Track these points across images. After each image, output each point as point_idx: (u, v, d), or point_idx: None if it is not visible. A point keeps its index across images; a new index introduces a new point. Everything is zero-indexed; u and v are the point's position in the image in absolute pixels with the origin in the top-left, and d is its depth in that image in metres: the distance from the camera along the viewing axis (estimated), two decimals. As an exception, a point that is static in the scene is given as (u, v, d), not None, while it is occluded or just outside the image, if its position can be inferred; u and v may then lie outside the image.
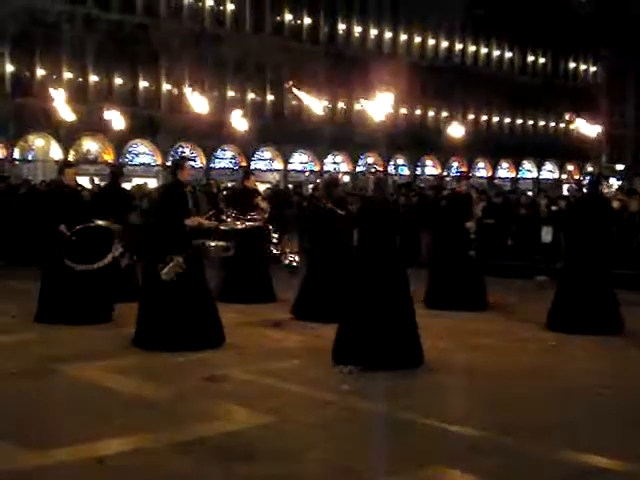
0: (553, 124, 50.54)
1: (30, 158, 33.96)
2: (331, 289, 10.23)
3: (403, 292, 8.13)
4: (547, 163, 50.93)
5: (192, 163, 11.97)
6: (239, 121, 12.98)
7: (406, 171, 44.36)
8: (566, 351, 9.19)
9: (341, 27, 41.45)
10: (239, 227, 10.35)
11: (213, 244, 9.03)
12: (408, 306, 8.14)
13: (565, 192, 36.39)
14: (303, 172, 40.79)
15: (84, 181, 16.88)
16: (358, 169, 42.76)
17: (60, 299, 10.14)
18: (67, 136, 30.97)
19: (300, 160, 41.30)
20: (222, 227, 9.66)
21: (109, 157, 35.08)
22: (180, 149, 37.32)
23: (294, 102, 39.92)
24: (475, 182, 41.79)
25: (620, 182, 49.23)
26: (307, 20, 40.28)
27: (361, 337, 7.94)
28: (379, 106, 9.04)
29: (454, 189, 12.90)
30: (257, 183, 13.49)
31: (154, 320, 8.77)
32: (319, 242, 10.99)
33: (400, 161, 44.58)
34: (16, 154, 33.14)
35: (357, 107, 42.14)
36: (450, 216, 12.07)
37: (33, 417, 6.35)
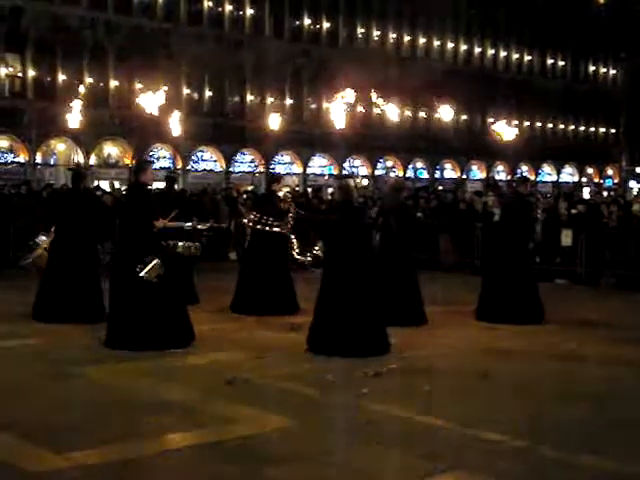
0: (572, 127, 50.29)
1: (52, 162, 34.19)
2: (402, 293, 10.64)
3: (369, 287, 8.90)
4: (567, 166, 50.68)
5: (155, 165, 12.14)
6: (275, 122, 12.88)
7: (425, 174, 44.29)
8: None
9: (360, 31, 41.45)
10: (200, 227, 10.17)
11: (181, 244, 9.22)
12: (375, 299, 8.96)
13: (586, 195, 36.32)
14: (322, 176, 40.82)
15: (104, 185, 16.99)
16: (377, 172, 42.75)
17: (57, 297, 10.49)
18: (87, 140, 31.18)
19: (319, 164, 41.32)
20: (185, 227, 9.72)
21: (129, 161, 35.26)
22: (199, 153, 37.48)
23: (313, 106, 39.99)
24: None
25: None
26: (326, 24, 40.32)
27: (332, 328, 8.73)
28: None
29: (516, 192, 12.07)
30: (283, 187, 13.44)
31: (124, 320, 8.85)
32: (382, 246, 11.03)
33: (419, 164, 44.52)
34: (38, 158, 33.36)
35: (375, 110, 42.17)
36: (509, 222, 11.35)
37: (56, 420, 6.38)
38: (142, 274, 8.67)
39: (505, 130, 12.21)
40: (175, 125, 12.29)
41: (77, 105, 12.14)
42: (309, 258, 11.24)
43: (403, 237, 10.84)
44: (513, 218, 11.31)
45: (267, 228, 11.28)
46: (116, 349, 8.76)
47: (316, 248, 11.01)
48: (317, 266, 11.19)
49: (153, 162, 10.96)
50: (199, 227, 10.21)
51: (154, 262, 8.71)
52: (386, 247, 10.80)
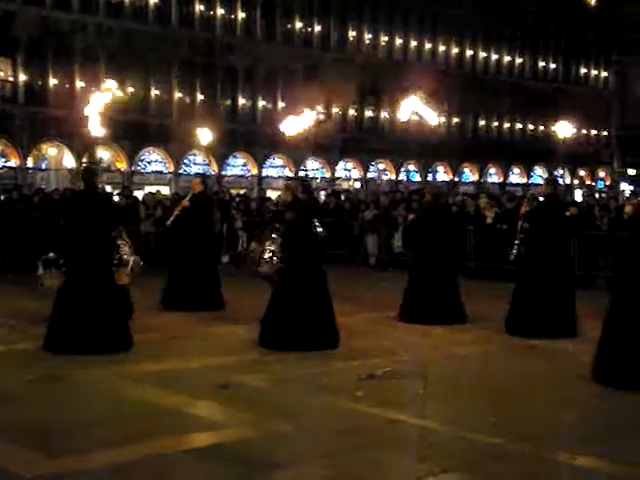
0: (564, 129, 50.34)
1: (43, 167, 34.10)
2: (437, 292, 11.12)
3: (321, 286, 9.35)
4: (559, 169, 50.76)
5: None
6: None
7: (417, 177, 44.30)
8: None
9: (351, 34, 41.47)
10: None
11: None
12: (326, 299, 9.36)
13: (579, 197, 36.41)
14: (314, 179, 40.78)
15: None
16: (369, 175, 42.77)
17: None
18: (81, 145, 31.08)
19: (312, 167, 41.30)
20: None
21: (121, 165, 35.21)
22: (192, 157, 37.45)
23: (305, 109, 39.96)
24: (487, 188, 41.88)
25: (632, 187, 49.09)
26: (317, 27, 40.34)
27: (282, 325, 9.14)
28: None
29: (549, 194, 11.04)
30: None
31: (66, 324, 8.87)
32: (424, 249, 11.49)
33: (411, 167, 44.53)
34: (29, 163, 33.28)
35: (367, 114, 42.24)
36: (540, 224, 10.67)
37: (48, 425, 6.36)
38: (127, 273, 8.74)
39: (565, 131, 12.00)
40: (205, 132, 12.49)
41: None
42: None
43: (444, 240, 11.43)
44: (553, 222, 10.65)
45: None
46: (55, 353, 8.72)
47: None
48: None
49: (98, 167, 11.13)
50: None
51: (132, 259, 8.80)
52: (426, 249, 11.43)
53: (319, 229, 10.05)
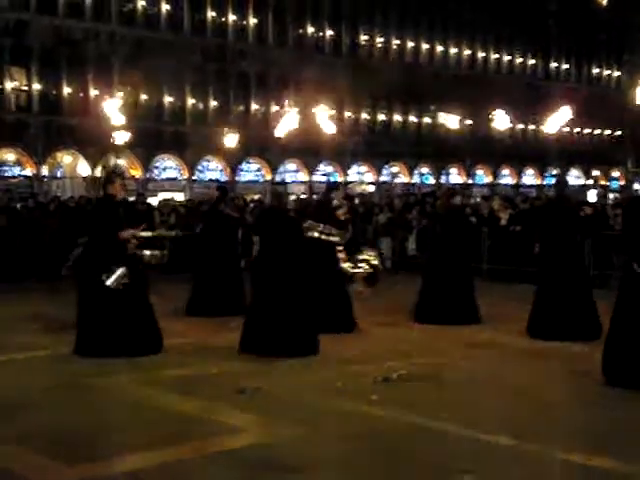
0: (578, 130, 50.25)
1: (58, 175, 34.31)
2: (451, 293, 11.24)
3: (302, 291, 9.28)
4: (572, 169, 50.65)
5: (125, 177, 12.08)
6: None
7: (431, 180, 44.30)
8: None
9: (363, 38, 41.54)
10: (173, 235, 10.49)
11: (148, 252, 9.51)
12: (306, 303, 9.29)
13: (593, 198, 36.27)
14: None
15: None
16: (382, 179, 42.82)
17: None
18: (96, 153, 31.30)
19: (325, 171, 41.37)
20: (156, 234, 9.96)
21: (136, 172, 35.39)
22: (205, 163, 37.58)
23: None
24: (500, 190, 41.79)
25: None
26: (329, 32, 40.43)
27: (263, 329, 9.10)
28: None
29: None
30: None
31: (94, 328, 9.01)
32: (439, 249, 11.60)
33: (425, 170, 44.52)
34: (45, 171, 33.49)
35: (380, 117, 42.28)
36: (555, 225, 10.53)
37: (66, 431, 6.40)
38: (108, 282, 8.85)
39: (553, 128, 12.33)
40: (228, 138, 12.67)
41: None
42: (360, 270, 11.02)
43: (456, 241, 11.48)
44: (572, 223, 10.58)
45: (324, 237, 10.61)
46: (85, 357, 8.87)
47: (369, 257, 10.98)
48: (371, 281, 11.15)
49: (122, 175, 11.10)
50: (165, 235, 10.29)
51: (120, 271, 8.90)
52: (437, 251, 11.60)
53: (333, 238, 10.07)
